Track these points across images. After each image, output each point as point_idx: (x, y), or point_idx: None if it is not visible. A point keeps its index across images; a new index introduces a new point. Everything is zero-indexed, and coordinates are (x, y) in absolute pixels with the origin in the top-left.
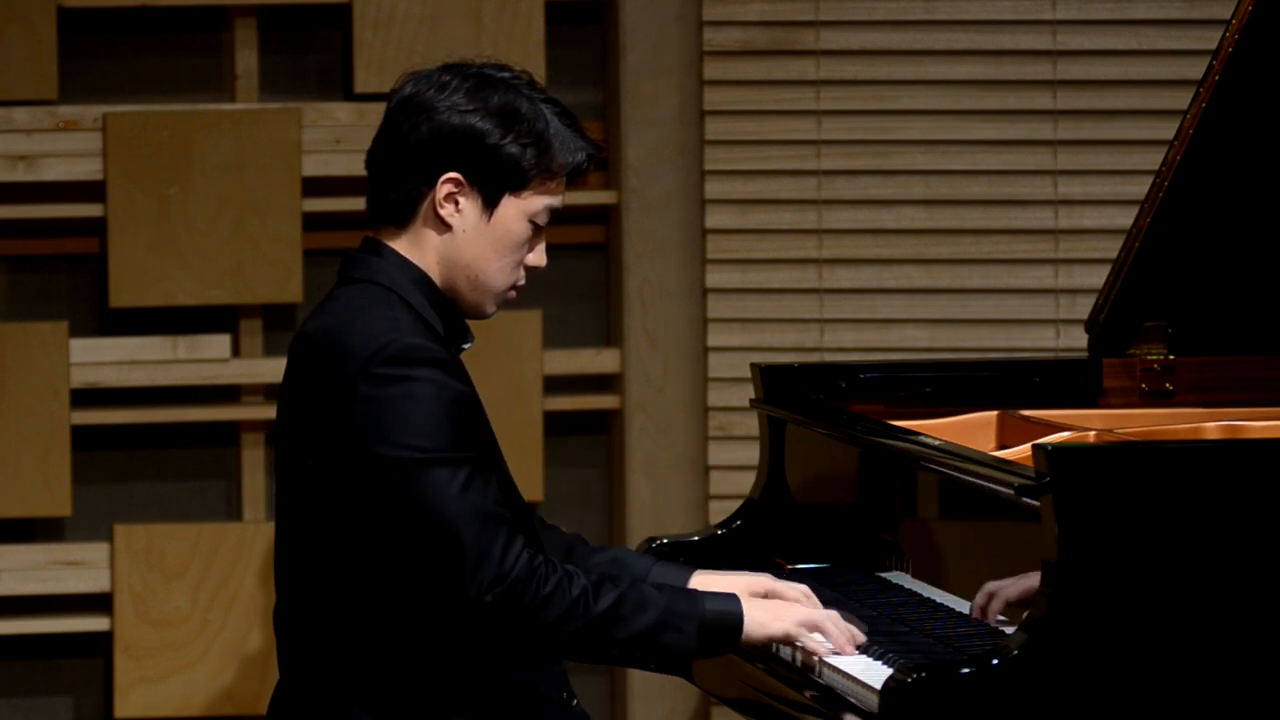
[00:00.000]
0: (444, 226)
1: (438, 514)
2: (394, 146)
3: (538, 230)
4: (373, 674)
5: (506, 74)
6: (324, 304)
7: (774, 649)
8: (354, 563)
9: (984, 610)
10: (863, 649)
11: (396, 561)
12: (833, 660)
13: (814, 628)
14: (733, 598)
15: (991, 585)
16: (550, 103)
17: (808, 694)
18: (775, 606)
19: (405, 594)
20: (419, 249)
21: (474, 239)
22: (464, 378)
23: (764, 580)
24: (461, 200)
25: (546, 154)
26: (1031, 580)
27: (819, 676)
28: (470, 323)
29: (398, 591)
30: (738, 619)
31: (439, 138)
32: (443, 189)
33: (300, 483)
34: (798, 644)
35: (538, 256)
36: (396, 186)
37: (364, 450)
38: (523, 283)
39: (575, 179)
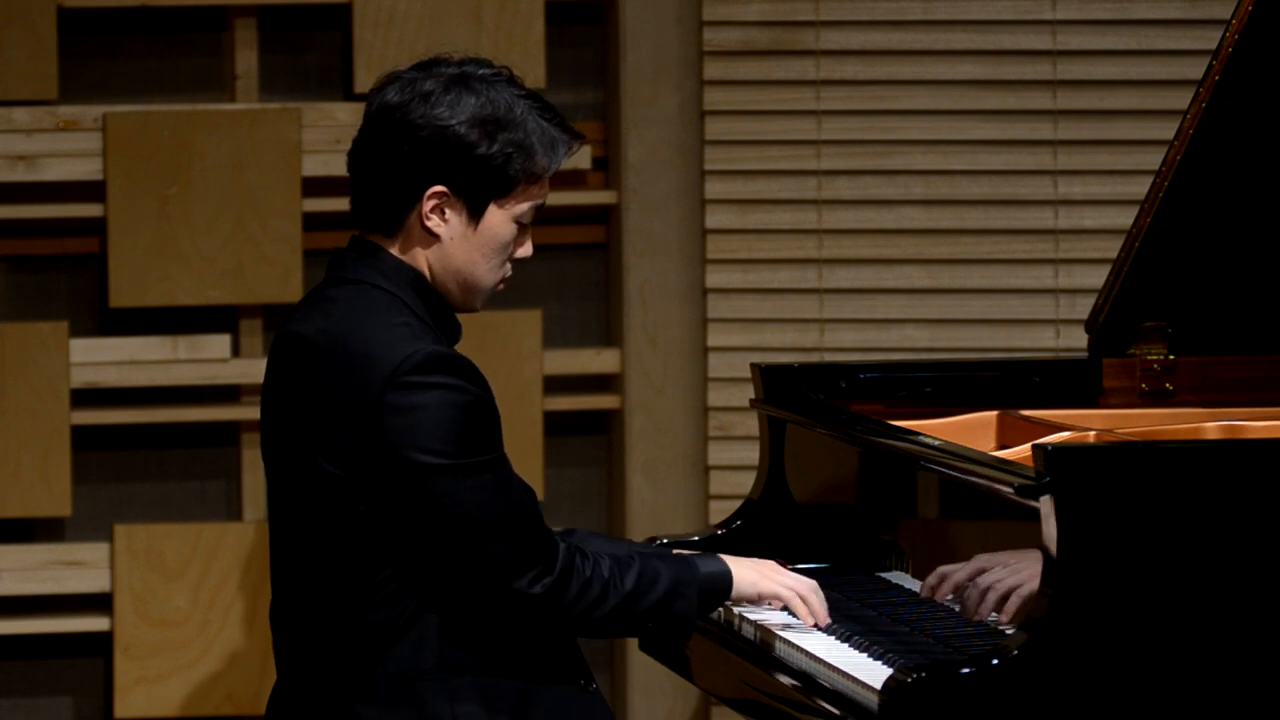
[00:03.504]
0: (431, 236)
1: (481, 515)
2: (376, 157)
3: (524, 228)
4: (374, 672)
5: (486, 71)
6: (318, 304)
7: (771, 647)
8: (367, 562)
9: (933, 590)
10: (863, 649)
11: (423, 561)
12: (833, 660)
13: (797, 591)
14: (717, 558)
15: (944, 569)
16: (530, 98)
17: (807, 694)
18: (762, 567)
19: (427, 592)
20: (408, 254)
21: (461, 246)
22: (483, 381)
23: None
24: (447, 211)
25: (530, 159)
26: (981, 564)
27: (819, 676)
28: (464, 319)
29: (418, 590)
30: (728, 578)
31: (422, 153)
32: (428, 203)
33: (306, 484)
34: (782, 603)
35: (525, 250)
36: (382, 198)
37: (398, 457)
38: (510, 275)
39: (564, 180)
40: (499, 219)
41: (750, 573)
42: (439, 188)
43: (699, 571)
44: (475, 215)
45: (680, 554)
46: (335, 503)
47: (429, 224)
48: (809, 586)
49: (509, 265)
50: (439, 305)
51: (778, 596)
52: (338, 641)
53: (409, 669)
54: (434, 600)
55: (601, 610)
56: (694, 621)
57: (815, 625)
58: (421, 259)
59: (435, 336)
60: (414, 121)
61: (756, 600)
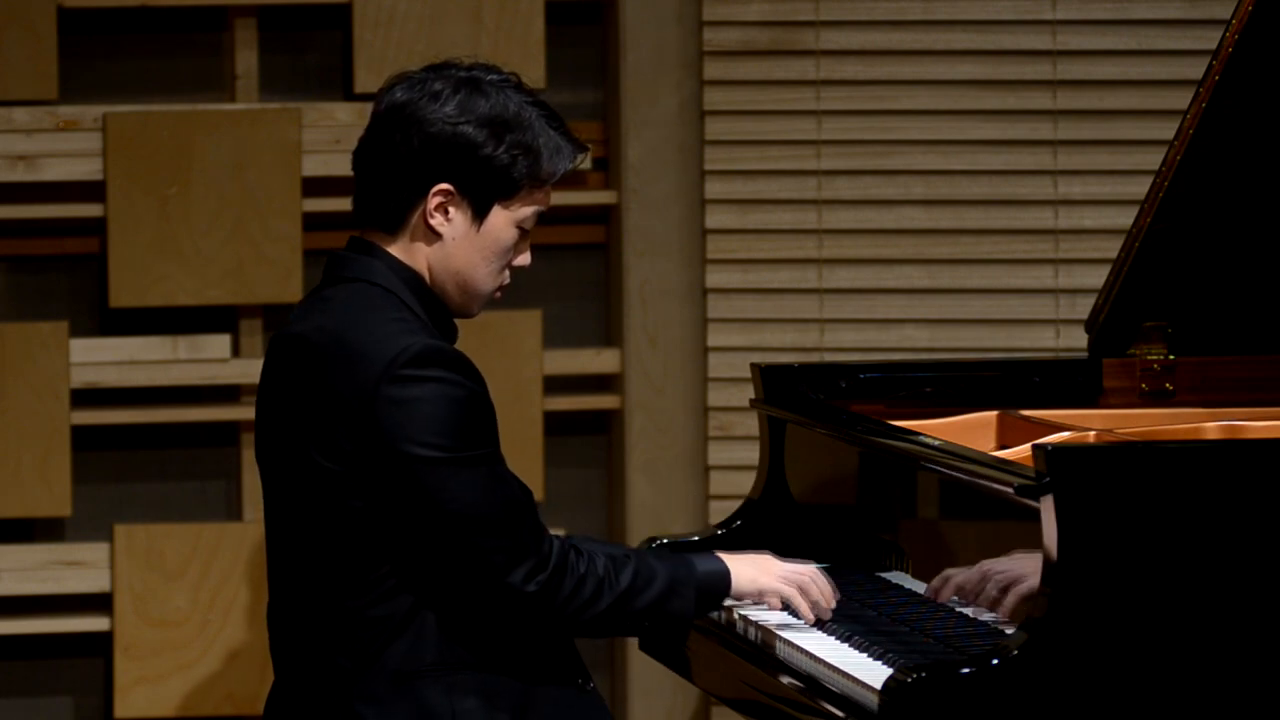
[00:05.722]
0: (434, 235)
1: (475, 510)
2: (384, 154)
3: (524, 234)
4: (373, 670)
5: (495, 76)
6: (316, 304)
7: (771, 647)
8: (365, 559)
9: (937, 592)
10: (863, 649)
11: (420, 556)
12: (833, 660)
13: (798, 584)
14: (715, 557)
15: (949, 571)
16: (538, 105)
17: (807, 694)
18: (760, 562)
19: (424, 588)
20: (409, 254)
21: (463, 247)
22: (478, 376)
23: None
24: (452, 210)
25: (536, 163)
26: (988, 569)
27: (820, 677)
28: (459, 321)
29: (416, 586)
30: (726, 577)
31: (430, 149)
32: (433, 200)
33: (303, 482)
34: (785, 600)
35: (524, 258)
36: (386, 194)
37: (393, 451)
38: (508, 283)
39: (564, 180)
40: (502, 221)
41: (749, 569)
42: (445, 185)
43: (696, 570)
44: (479, 216)
45: (683, 555)
46: (332, 499)
47: (432, 222)
48: (810, 576)
49: (508, 273)
50: (436, 306)
51: (779, 594)
52: (336, 640)
53: (408, 666)
54: (432, 596)
55: (596, 609)
56: (691, 621)
57: (818, 620)
58: (421, 259)
59: (432, 333)
60: (424, 118)
61: (758, 597)
